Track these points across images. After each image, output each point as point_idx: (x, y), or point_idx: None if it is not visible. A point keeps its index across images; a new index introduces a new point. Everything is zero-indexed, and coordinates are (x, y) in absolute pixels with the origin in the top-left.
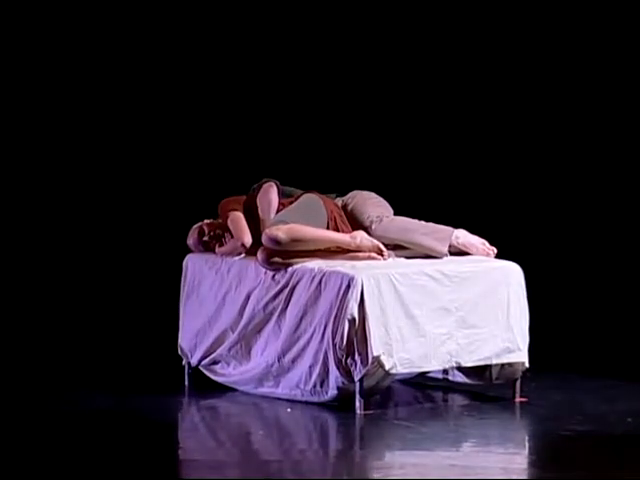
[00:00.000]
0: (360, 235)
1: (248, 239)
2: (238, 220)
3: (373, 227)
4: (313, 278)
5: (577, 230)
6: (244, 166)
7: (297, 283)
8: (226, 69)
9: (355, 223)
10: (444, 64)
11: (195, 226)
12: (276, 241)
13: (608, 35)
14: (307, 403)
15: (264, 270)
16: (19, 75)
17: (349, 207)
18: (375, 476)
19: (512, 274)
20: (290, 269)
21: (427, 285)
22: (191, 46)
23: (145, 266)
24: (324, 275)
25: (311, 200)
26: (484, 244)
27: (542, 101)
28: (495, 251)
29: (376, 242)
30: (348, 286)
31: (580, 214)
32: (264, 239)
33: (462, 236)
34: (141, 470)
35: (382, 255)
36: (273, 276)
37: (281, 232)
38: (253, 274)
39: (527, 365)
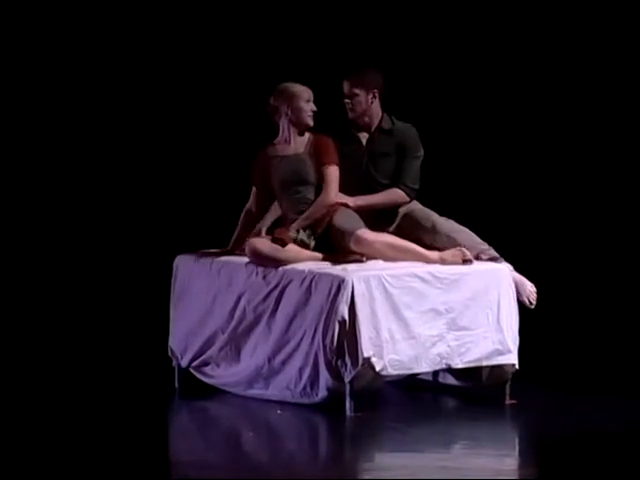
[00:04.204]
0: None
1: (336, 198)
2: (337, 178)
3: (438, 225)
4: (304, 280)
5: (570, 233)
6: (239, 166)
7: (287, 284)
8: (229, 69)
9: (417, 225)
10: (446, 64)
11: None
12: (367, 241)
13: (608, 35)
14: (297, 405)
15: (255, 271)
16: (19, 75)
17: (407, 210)
18: (365, 477)
19: (502, 276)
20: (280, 270)
21: (418, 287)
22: (192, 47)
23: (135, 267)
24: (315, 277)
25: (349, 211)
26: (532, 287)
27: (542, 103)
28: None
29: (452, 250)
30: (339, 288)
31: (572, 218)
32: (353, 241)
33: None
34: (131, 471)
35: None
36: (264, 277)
37: (374, 236)
38: (244, 275)
39: (517, 367)
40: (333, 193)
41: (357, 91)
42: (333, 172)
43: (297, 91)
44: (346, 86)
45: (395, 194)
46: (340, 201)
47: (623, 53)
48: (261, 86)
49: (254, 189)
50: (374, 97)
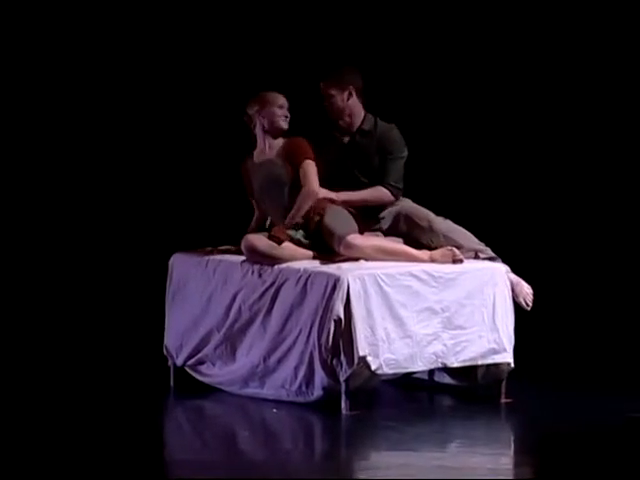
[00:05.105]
0: (431, 252)
1: (317, 186)
2: (314, 170)
3: (435, 225)
4: (299, 278)
5: (566, 234)
6: (234, 165)
7: (283, 283)
8: (222, 70)
9: (413, 225)
10: (442, 64)
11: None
12: (356, 247)
13: (608, 35)
14: (293, 403)
15: (250, 270)
16: (19, 75)
17: (402, 210)
18: (361, 476)
19: (498, 275)
20: (276, 268)
21: (413, 286)
22: (188, 48)
23: (131, 266)
24: (310, 275)
25: (340, 210)
26: (528, 288)
27: (539, 103)
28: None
29: (442, 250)
30: (334, 286)
31: (569, 220)
32: (343, 246)
33: (508, 270)
34: (127, 470)
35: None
36: (259, 276)
37: (363, 240)
38: (239, 274)
39: (513, 366)
40: (314, 184)
41: (332, 91)
42: (309, 166)
43: (269, 97)
44: (322, 87)
45: (379, 192)
46: (326, 196)
47: (623, 53)
48: (255, 88)
49: (252, 200)
50: (350, 95)
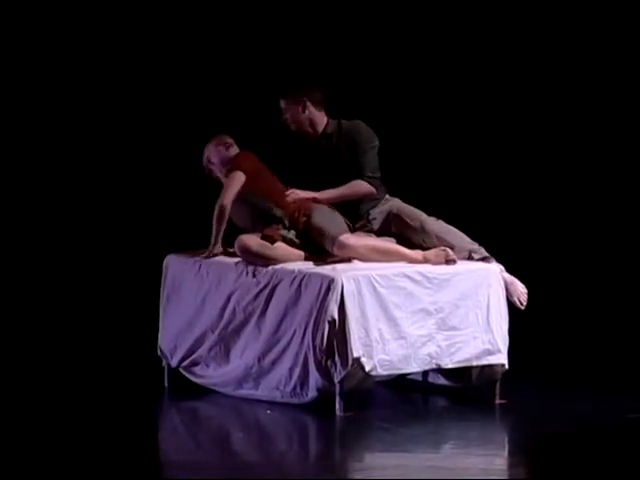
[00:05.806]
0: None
1: (228, 202)
2: (235, 183)
3: (427, 226)
4: (293, 279)
5: (560, 233)
6: None
7: (277, 284)
8: (221, 72)
9: (405, 226)
10: (440, 64)
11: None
12: (350, 247)
13: (608, 35)
14: (287, 405)
15: (245, 271)
16: (19, 75)
17: (394, 210)
18: (355, 477)
19: (492, 276)
20: (270, 269)
21: (407, 287)
22: (190, 49)
23: (125, 267)
24: (304, 276)
25: (327, 210)
26: (523, 288)
27: (528, 102)
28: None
29: (435, 250)
30: (328, 288)
31: (563, 219)
32: (336, 246)
33: (502, 269)
34: (121, 471)
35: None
36: (254, 277)
37: (356, 240)
38: (234, 275)
39: (507, 367)
40: (223, 198)
41: (287, 106)
42: (229, 179)
43: (210, 142)
44: (280, 104)
45: (358, 185)
46: (309, 196)
47: (623, 53)
48: (247, 91)
49: None
50: (305, 107)
